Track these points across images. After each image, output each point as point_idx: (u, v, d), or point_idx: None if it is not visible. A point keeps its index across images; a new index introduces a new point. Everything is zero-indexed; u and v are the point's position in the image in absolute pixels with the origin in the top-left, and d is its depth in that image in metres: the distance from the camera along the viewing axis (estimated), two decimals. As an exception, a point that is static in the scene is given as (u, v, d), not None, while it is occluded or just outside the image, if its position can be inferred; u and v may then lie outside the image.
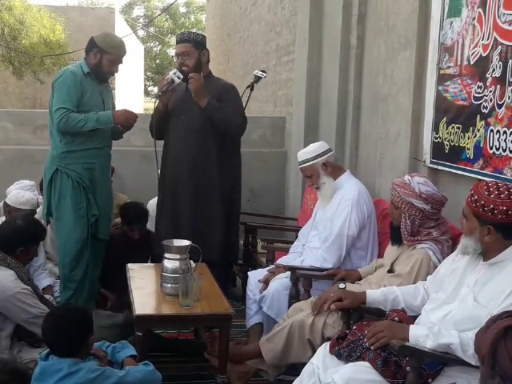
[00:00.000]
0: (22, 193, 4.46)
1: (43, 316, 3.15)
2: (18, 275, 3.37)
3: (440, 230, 3.04)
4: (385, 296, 2.76)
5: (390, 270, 3.15)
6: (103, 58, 4.10)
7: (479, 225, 2.32)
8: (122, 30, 18.65)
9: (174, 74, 4.11)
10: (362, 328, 2.55)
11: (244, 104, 4.40)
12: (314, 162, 3.72)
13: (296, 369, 2.99)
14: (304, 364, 2.70)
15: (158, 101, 4.23)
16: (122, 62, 4.23)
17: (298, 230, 4.24)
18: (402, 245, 3.13)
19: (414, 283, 2.90)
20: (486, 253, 2.37)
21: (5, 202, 4.46)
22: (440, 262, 2.89)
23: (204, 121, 4.17)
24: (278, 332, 3.14)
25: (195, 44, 4.19)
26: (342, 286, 3.03)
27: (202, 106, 4.09)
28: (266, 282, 3.66)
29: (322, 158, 3.72)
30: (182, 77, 4.12)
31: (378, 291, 2.81)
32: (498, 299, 2.23)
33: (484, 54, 3.06)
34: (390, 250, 3.25)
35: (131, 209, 4.70)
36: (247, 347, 3.39)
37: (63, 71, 4.15)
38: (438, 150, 3.52)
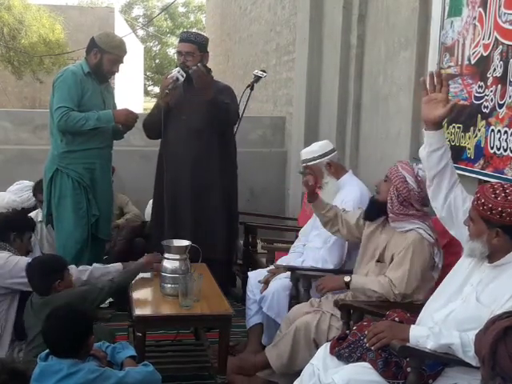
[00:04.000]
0: (1, 195, 4.46)
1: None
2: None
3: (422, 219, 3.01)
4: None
5: (379, 260, 3.11)
6: (103, 58, 4.10)
7: (487, 228, 2.30)
8: (121, 29, 18.64)
9: (177, 73, 4.10)
10: (363, 329, 2.55)
11: (244, 104, 4.41)
12: (318, 161, 3.69)
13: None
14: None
15: (160, 100, 4.22)
16: (122, 62, 4.23)
17: (298, 230, 4.23)
18: (384, 228, 3.11)
19: (410, 269, 2.88)
20: (492, 255, 2.35)
21: None
22: (433, 239, 2.91)
23: (206, 120, 4.17)
24: (284, 337, 3.13)
25: (200, 46, 4.19)
26: (347, 278, 3.04)
27: (207, 98, 4.08)
28: (266, 283, 3.65)
29: (327, 157, 3.70)
30: (185, 75, 4.11)
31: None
32: (500, 300, 2.22)
33: (485, 54, 3.05)
34: (374, 236, 3.19)
35: None
36: (254, 359, 3.35)
37: (64, 71, 4.16)
38: (438, 149, 3.51)
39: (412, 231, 2.96)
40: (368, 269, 3.16)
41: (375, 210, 3.15)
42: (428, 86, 2.54)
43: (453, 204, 2.59)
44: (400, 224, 3.01)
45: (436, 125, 2.53)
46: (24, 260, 3.34)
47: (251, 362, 3.34)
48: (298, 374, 3.08)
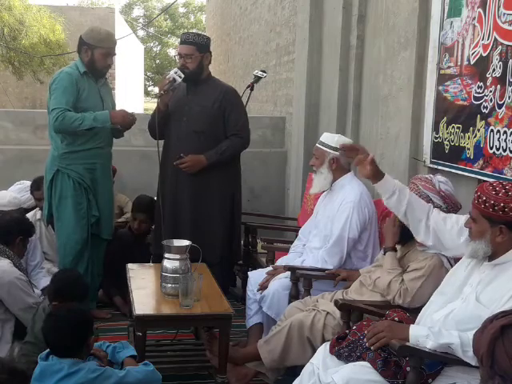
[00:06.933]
0: (3, 194, 4.46)
1: (35, 308, 3.22)
2: (14, 265, 3.48)
3: None
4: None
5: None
6: (94, 54, 4.12)
7: (490, 226, 2.30)
8: (121, 30, 18.61)
9: (175, 74, 4.10)
10: (362, 328, 2.55)
11: (244, 104, 4.41)
12: (327, 150, 3.68)
13: (295, 370, 2.99)
14: (304, 365, 2.70)
15: (159, 100, 4.22)
16: (115, 54, 4.24)
17: (298, 230, 4.23)
18: (407, 243, 3.06)
19: (420, 288, 2.84)
20: (494, 254, 2.35)
21: None
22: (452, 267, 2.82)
23: (206, 122, 4.18)
24: (277, 333, 3.13)
25: (199, 47, 4.18)
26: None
27: (205, 164, 4.16)
28: (263, 287, 3.64)
29: (336, 152, 3.69)
30: (183, 76, 4.11)
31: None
32: (500, 301, 2.22)
33: (484, 54, 3.06)
34: None
35: (137, 199, 4.78)
36: (246, 349, 3.37)
37: (59, 73, 4.18)
38: (438, 150, 3.52)
39: (436, 255, 2.88)
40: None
41: (405, 233, 3.02)
42: (349, 154, 2.94)
43: (436, 229, 2.71)
44: (425, 247, 2.91)
45: (375, 178, 2.82)
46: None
47: (241, 352, 3.35)
48: (287, 368, 3.11)
